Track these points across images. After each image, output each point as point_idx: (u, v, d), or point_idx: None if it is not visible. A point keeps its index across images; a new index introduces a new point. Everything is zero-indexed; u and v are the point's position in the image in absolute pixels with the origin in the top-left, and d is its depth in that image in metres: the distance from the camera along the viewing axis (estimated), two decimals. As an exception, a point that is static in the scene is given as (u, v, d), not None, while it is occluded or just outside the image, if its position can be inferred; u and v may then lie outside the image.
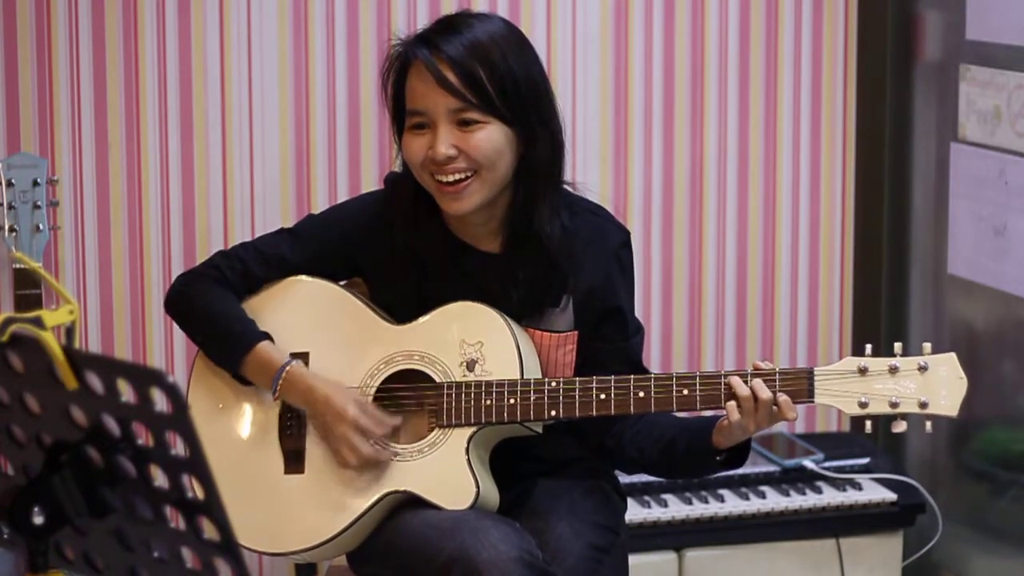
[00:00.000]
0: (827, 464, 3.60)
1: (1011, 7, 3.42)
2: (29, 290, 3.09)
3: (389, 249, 2.69)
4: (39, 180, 3.14)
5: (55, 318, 1.75)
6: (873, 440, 3.71)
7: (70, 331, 1.76)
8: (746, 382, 2.48)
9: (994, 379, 3.59)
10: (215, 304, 2.70)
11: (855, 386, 2.48)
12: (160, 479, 1.70)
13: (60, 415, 1.73)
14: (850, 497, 3.54)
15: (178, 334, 2.86)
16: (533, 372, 2.62)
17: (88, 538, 1.80)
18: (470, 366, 2.61)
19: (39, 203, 3.13)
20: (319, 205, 3.49)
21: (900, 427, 2.47)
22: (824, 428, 3.88)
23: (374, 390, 2.65)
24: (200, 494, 1.65)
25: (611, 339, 2.69)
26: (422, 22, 3.09)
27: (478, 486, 2.56)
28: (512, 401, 2.58)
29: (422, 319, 2.66)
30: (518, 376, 2.58)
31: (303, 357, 2.68)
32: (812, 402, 2.49)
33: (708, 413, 2.60)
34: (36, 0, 3.34)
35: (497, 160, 2.58)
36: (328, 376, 2.65)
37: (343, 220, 2.76)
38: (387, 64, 2.65)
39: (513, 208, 2.64)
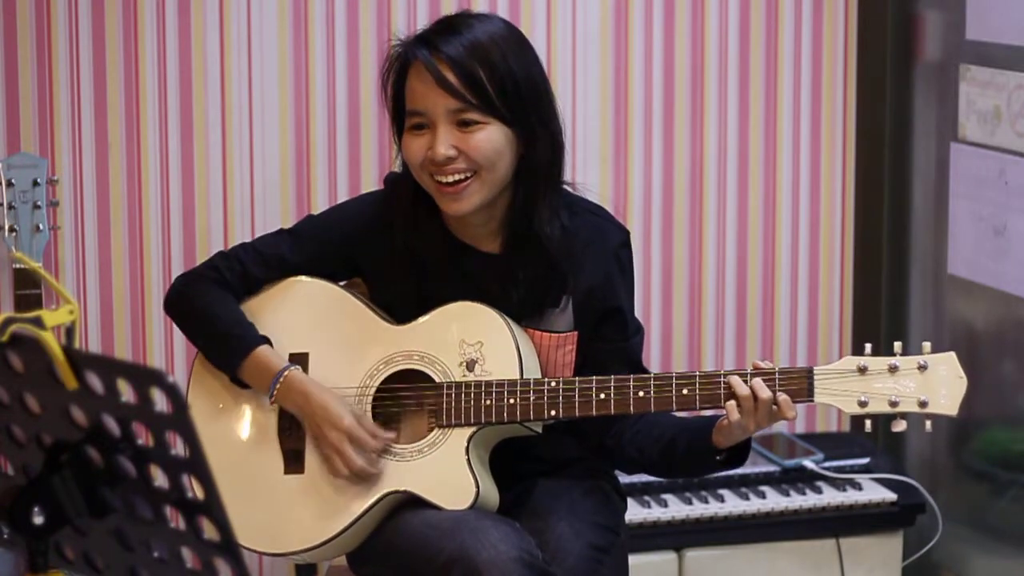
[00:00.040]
0: (827, 464, 3.60)
1: (1011, 7, 3.42)
2: (29, 290, 3.09)
3: (389, 249, 2.69)
4: (39, 180, 3.14)
5: (55, 318, 1.75)
6: (873, 440, 3.71)
7: (70, 331, 1.76)
8: (746, 381, 2.49)
9: (994, 379, 3.59)
10: (214, 306, 2.70)
11: (855, 385, 2.48)
12: (160, 479, 1.70)
13: (60, 415, 1.73)
14: (850, 497, 3.54)
15: (178, 334, 2.86)
16: (533, 372, 2.62)
17: (88, 538, 1.80)
18: (470, 366, 2.61)
19: (39, 203, 3.13)
20: (319, 205, 3.49)
21: (900, 426, 2.47)
22: (824, 428, 3.88)
23: (374, 390, 2.65)
24: (200, 494, 1.65)
25: (611, 339, 2.69)
26: (422, 22, 3.09)
27: (478, 486, 2.56)
28: (512, 401, 2.58)
29: (422, 319, 2.66)
30: (518, 376, 2.58)
31: (303, 357, 2.68)
32: (812, 401, 2.49)
33: (708, 413, 2.60)
34: (36, 0, 3.34)
35: (497, 161, 2.58)
36: (328, 376, 2.66)
37: (343, 220, 2.76)
38: (387, 64, 2.65)
39: (513, 209, 2.64)
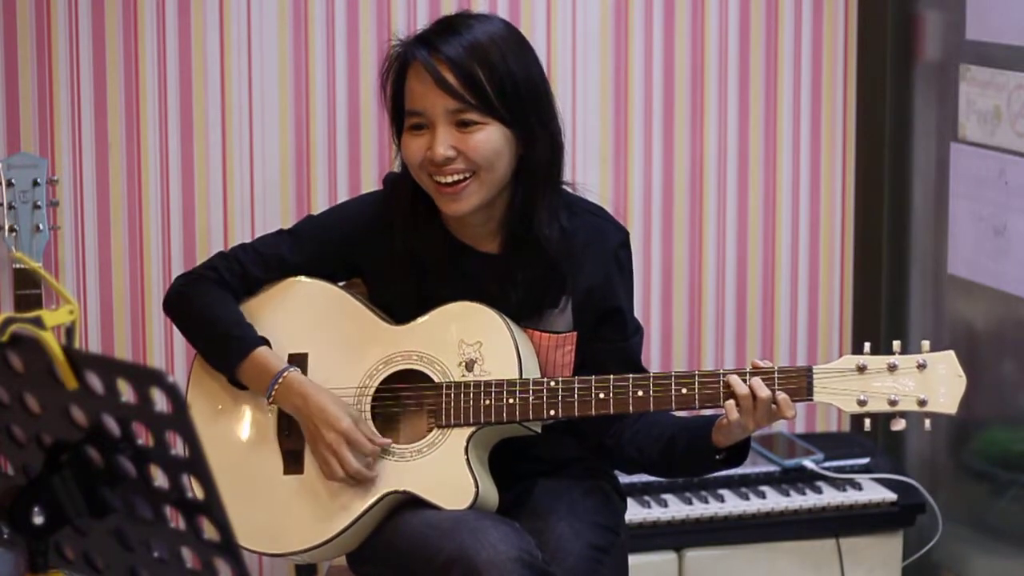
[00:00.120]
0: (827, 464, 3.60)
1: (1011, 7, 3.42)
2: (29, 290, 3.09)
3: (388, 250, 2.69)
4: (39, 180, 3.14)
5: (55, 318, 1.75)
6: (873, 440, 3.71)
7: (70, 331, 1.76)
8: (744, 381, 2.49)
9: (994, 379, 3.59)
10: (213, 307, 2.70)
11: (854, 384, 2.48)
12: (160, 479, 1.70)
13: (60, 415, 1.73)
14: (850, 497, 3.54)
15: (178, 334, 2.85)
16: (532, 372, 2.62)
17: (88, 538, 1.80)
18: (469, 366, 2.61)
19: (39, 203, 3.13)
20: (319, 205, 3.49)
21: (899, 425, 2.47)
22: (824, 428, 3.88)
23: (373, 390, 2.65)
24: (200, 494, 1.65)
25: (610, 339, 2.69)
26: (422, 22, 3.09)
27: (477, 486, 2.56)
28: (511, 401, 2.58)
29: (421, 319, 2.66)
30: (517, 376, 2.58)
31: (302, 358, 2.68)
32: (811, 400, 2.50)
33: (707, 412, 2.60)
34: (36, 0, 3.34)
35: (496, 161, 2.58)
36: (327, 376, 2.66)
37: (342, 221, 2.76)
38: (386, 64, 2.65)
39: (512, 209, 2.64)
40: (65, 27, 3.36)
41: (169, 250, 3.46)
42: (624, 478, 2.90)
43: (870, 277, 3.85)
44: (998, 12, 3.46)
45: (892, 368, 2.47)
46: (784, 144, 3.77)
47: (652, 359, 3.73)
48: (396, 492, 2.60)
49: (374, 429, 2.63)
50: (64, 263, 3.42)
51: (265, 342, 2.66)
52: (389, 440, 2.62)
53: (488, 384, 2.59)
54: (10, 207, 3.12)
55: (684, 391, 2.53)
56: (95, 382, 1.69)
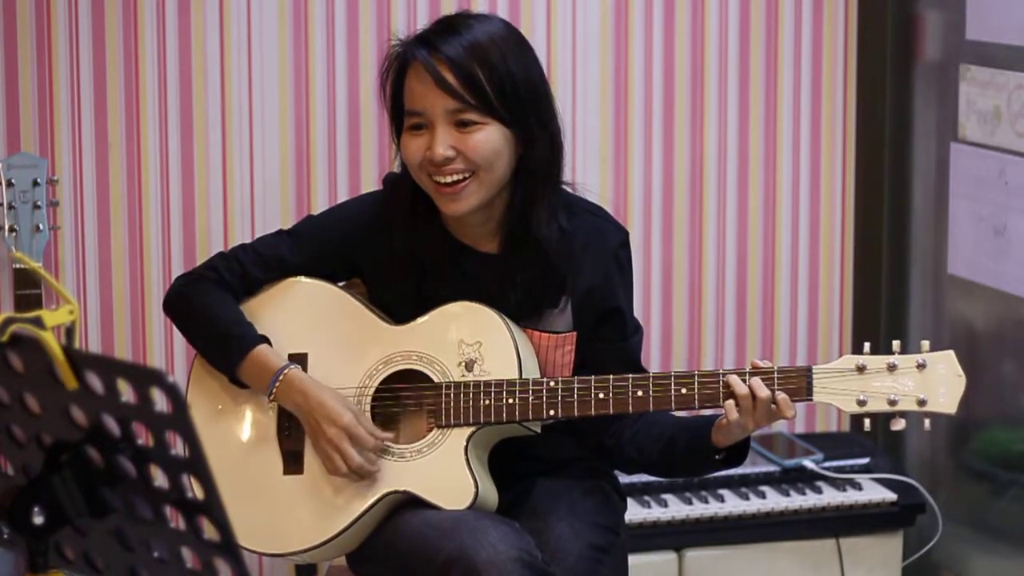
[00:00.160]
0: (827, 464, 3.60)
1: (1011, 7, 3.42)
2: (29, 290, 3.09)
3: (388, 250, 2.69)
4: (39, 180, 3.14)
5: (55, 318, 1.75)
6: (873, 440, 3.71)
7: (70, 331, 1.76)
8: (744, 381, 2.49)
9: (994, 379, 3.59)
10: (213, 307, 2.70)
11: (853, 384, 2.48)
12: (160, 479, 1.70)
13: (60, 415, 1.73)
14: (850, 497, 3.54)
15: (178, 334, 2.85)
16: (532, 372, 2.62)
17: (88, 538, 1.80)
18: (469, 366, 2.61)
19: (39, 203, 3.13)
20: (319, 205, 3.49)
21: (899, 425, 2.47)
22: (824, 428, 3.88)
23: (373, 390, 2.66)
24: (200, 494, 1.65)
25: (610, 339, 2.69)
26: (422, 22, 3.09)
27: (477, 486, 2.57)
28: (511, 401, 2.58)
29: (421, 319, 2.66)
30: (516, 376, 2.58)
31: (302, 358, 2.68)
32: (811, 400, 2.50)
33: (707, 412, 2.60)
34: (36, 0, 3.34)
35: (495, 161, 2.58)
36: (327, 376, 2.66)
37: (342, 221, 2.76)
38: (386, 64, 2.65)
39: (511, 209, 2.64)
40: (65, 27, 3.36)
41: (169, 250, 3.46)
42: (624, 478, 2.90)
43: (870, 277, 3.85)
44: (998, 12, 3.46)
45: (892, 368, 2.47)
46: (784, 144, 3.77)
47: (652, 359, 3.73)
48: (396, 492, 2.60)
49: (375, 425, 2.63)
50: (64, 263, 3.42)
51: (265, 340, 2.67)
52: (391, 435, 2.62)
53: (488, 384, 2.59)
54: (10, 207, 3.12)
55: (684, 391, 2.53)
56: (95, 382, 1.69)
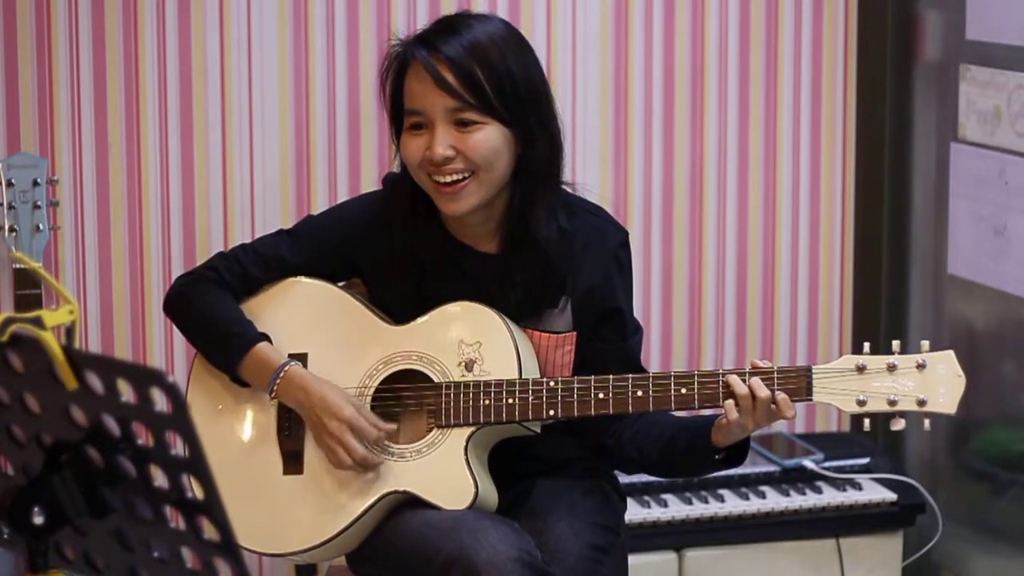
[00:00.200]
0: (827, 464, 3.60)
1: (1011, 7, 3.42)
2: (29, 290, 3.09)
3: (388, 250, 2.69)
4: (39, 180, 3.14)
5: (55, 318, 1.75)
6: (873, 440, 3.71)
7: (70, 331, 1.76)
8: (744, 381, 2.49)
9: (994, 379, 3.59)
10: (214, 306, 2.70)
11: (853, 384, 2.48)
12: (160, 479, 1.70)
13: (60, 415, 1.73)
14: (850, 497, 3.54)
15: (178, 334, 2.85)
16: (531, 372, 2.62)
17: (88, 538, 1.80)
18: (468, 366, 2.61)
19: (39, 203, 3.13)
20: (319, 205, 3.49)
21: (899, 425, 2.47)
22: (824, 428, 3.88)
23: (373, 390, 2.66)
24: (200, 494, 1.65)
25: (610, 339, 2.69)
26: (422, 22, 3.09)
27: (477, 486, 2.57)
28: (511, 401, 2.58)
29: (421, 319, 2.66)
30: (516, 376, 2.58)
31: (302, 358, 2.68)
32: (810, 400, 2.50)
33: (707, 412, 2.60)
34: (36, 0, 3.35)
35: (495, 161, 2.58)
36: (327, 376, 2.65)
37: (342, 221, 2.76)
38: (386, 64, 2.65)
39: (511, 209, 2.64)
40: (65, 27, 3.36)
41: (169, 250, 3.46)
42: (624, 478, 2.90)
43: (870, 277, 3.85)
44: (998, 12, 3.46)
45: (891, 368, 2.47)
46: (784, 144, 3.77)
47: (652, 359, 3.73)
48: (396, 492, 2.60)
49: (376, 417, 2.62)
50: (64, 263, 3.42)
51: (265, 338, 2.67)
52: (393, 426, 2.62)
53: (488, 384, 2.59)
54: (10, 207, 3.12)
55: (683, 391, 2.53)
56: (95, 382, 1.69)
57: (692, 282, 3.76)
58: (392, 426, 2.62)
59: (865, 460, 3.64)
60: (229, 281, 2.72)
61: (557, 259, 2.63)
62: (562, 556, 2.56)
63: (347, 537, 2.63)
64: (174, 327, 2.82)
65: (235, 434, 2.70)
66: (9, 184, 3.12)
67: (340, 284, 2.76)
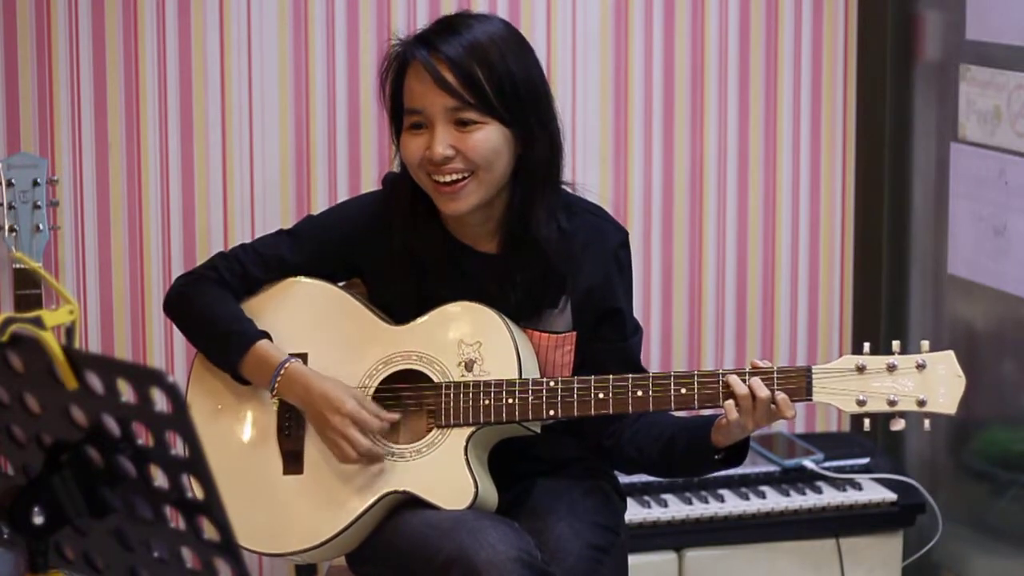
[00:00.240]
0: (827, 464, 3.60)
1: (1011, 7, 3.42)
2: (29, 290, 3.09)
3: (388, 249, 2.69)
4: (39, 180, 3.14)
5: (55, 318, 1.75)
6: (873, 440, 3.71)
7: (70, 331, 1.76)
8: (744, 381, 2.49)
9: (994, 379, 3.59)
10: (214, 305, 2.70)
11: (853, 384, 2.48)
12: (160, 479, 1.70)
13: (60, 415, 1.73)
14: (850, 497, 3.54)
15: (178, 334, 2.86)
16: (531, 372, 2.62)
17: (88, 538, 1.80)
18: (468, 366, 2.61)
19: (39, 203, 3.13)
20: (319, 205, 3.49)
21: (898, 425, 2.47)
22: (824, 428, 3.88)
23: (372, 390, 2.65)
24: (200, 494, 1.65)
25: (609, 339, 2.69)
26: (422, 22, 3.09)
27: (477, 486, 2.57)
28: (511, 401, 2.58)
29: (420, 319, 2.66)
30: (516, 376, 2.58)
31: (302, 358, 2.68)
32: (810, 400, 2.50)
33: (707, 412, 2.60)
34: (36, 0, 3.35)
35: (494, 160, 2.58)
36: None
37: (342, 221, 2.76)
38: (386, 64, 2.65)
39: (511, 209, 2.64)
40: (65, 27, 3.37)
41: (169, 250, 3.46)
42: (624, 478, 2.90)
43: (870, 277, 3.85)
44: (998, 12, 3.46)
45: (891, 368, 2.47)
46: (784, 144, 3.77)
47: (652, 359, 3.73)
48: (396, 492, 2.60)
49: (379, 407, 2.62)
50: (64, 263, 3.42)
51: (266, 335, 2.67)
52: (396, 415, 2.62)
53: (488, 384, 2.59)
54: (10, 207, 3.12)
55: (683, 391, 2.53)
56: (95, 382, 1.69)
57: (692, 282, 3.76)
58: (395, 416, 2.62)
59: (865, 460, 3.64)
60: (229, 281, 2.72)
61: (557, 259, 2.63)
62: (562, 556, 2.56)
63: (347, 537, 2.63)
64: (174, 327, 2.82)
65: (235, 434, 2.70)
66: (9, 184, 3.12)
67: (340, 284, 2.76)
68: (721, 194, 3.75)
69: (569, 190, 2.72)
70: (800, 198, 3.80)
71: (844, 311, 3.86)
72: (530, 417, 2.58)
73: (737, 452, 2.58)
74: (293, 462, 2.67)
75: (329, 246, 2.74)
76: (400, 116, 2.64)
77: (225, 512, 1.64)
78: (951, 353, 2.49)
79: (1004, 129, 3.46)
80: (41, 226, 3.13)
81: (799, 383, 2.49)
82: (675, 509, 3.47)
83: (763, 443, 3.67)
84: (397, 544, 2.57)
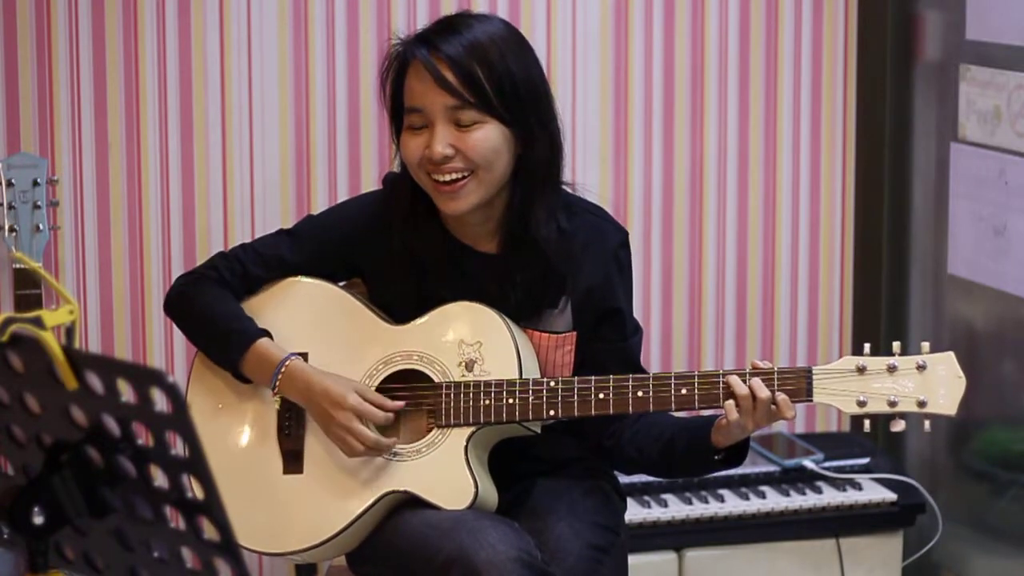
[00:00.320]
0: (827, 464, 3.60)
1: (1011, 7, 3.42)
2: (29, 290, 3.09)
3: (388, 249, 2.69)
4: (39, 180, 3.14)
5: (55, 318, 1.75)
6: (873, 440, 3.71)
7: (70, 331, 1.76)
8: (744, 381, 2.49)
9: (994, 379, 3.59)
10: (214, 304, 2.70)
11: (853, 385, 2.48)
12: (160, 479, 1.70)
13: (60, 415, 1.73)
14: (850, 497, 3.54)
15: (178, 334, 2.86)
16: (532, 372, 2.62)
17: (88, 538, 1.80)
18: (469, 366, 2.61)
19: (39, 203, 3.13)
20: (319, 205, 3.49)
21: (899, 426, 2.47)
22: (824, 428, 3.88)
23: (373, 390, 2.66)
24: (200, 494, 1.65)
25: (609, 339, 2.69)
26: (422, 22, 3.09)
27: (477, 486, 2.57)
28: (511, 401, 2.58)
29: (421, 319, 2.66)
30: (517, 376, 2.58)
31: (302, 357, 2.68)
32: (810, 401, 2.50)
33: (707, 412, 2.60)
34: (36, 0, 3.35)
35: (494, 160, 2.58)
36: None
37: (342, 221, 2.76)
38: (386, 63, 2.65)
39: (511, 209, 2.64)
40: (65, 27, 3.36)
41: (169, 250, 3.46)
42: (624, 478, 2.90)
43: (870, 277, 3.85)
44: (998, 12, 3.46)
45: (892, 369, 2.47)
46: (784, 144, 3.77)
47: (652, 359, 3.73)
48: (395, 492, 2.60)
49: (382, 396, 2.62)
50: (64, 263, 3.42)
51: (266, 334, 2.67)
52: (401, 403, 2.62)
53: (488, 384, 2.59)
54: (10, 207, 3.12)
55: (684, 391, 2.53)
56: (95, 382, 1.69)
57: (692, 282, 3.76)
58: (399, 404, 2.62)
59: (865, 460, 3.64)
60: (229, 280, 2.72)
61: (557, 259, 2.63)
62: (562, 556, 2.56)
63: (347, 537, 2.63)
64: (174, 327, 2.82)
65: (235, 433, 2.70)
66: (9, 184, 3.12)
67: (340, 284, 2.76)
68: (721, 194, 3.75)
69: (569, 190, 2.72)
70: (800, 198, 3.80)
71: (844, 311, 3.86)
72: (530, 417, 2.58)
73: (737, 452, 2.58)
74: (293, 461, 2.67)
75: (329, 246, 2.74)
76: (400, 115, 2.64)
77: (225, 512, 1.65)
78: (951, 354, 2.49)
79: (1004, 129, 3.46)
80: (41, 226, 3.13)
81: (799, 384, 2.49)
82: (675, 509, 3.47)
83: (763, 443, 3.67)
84: (397, 544, 2.57)
